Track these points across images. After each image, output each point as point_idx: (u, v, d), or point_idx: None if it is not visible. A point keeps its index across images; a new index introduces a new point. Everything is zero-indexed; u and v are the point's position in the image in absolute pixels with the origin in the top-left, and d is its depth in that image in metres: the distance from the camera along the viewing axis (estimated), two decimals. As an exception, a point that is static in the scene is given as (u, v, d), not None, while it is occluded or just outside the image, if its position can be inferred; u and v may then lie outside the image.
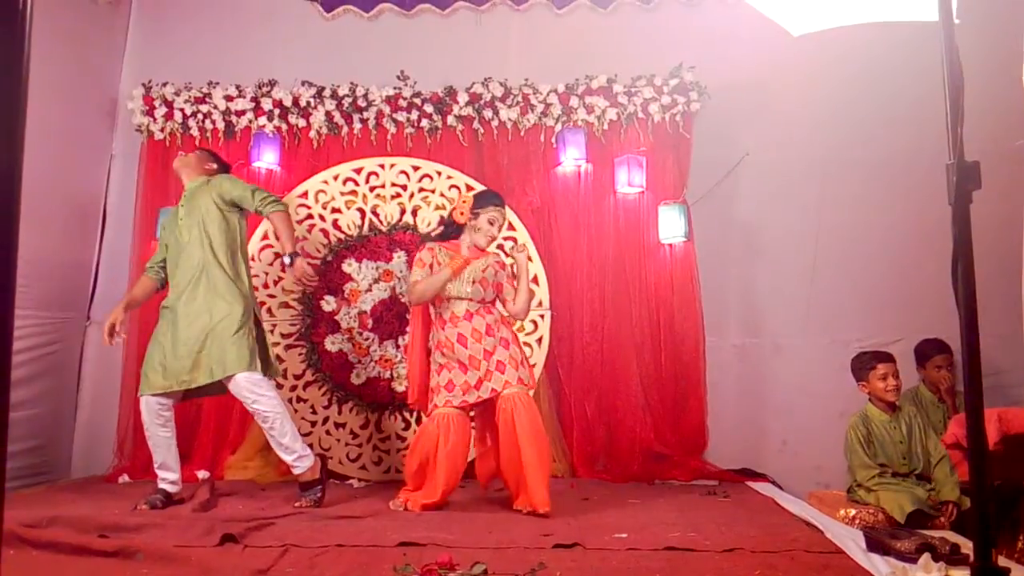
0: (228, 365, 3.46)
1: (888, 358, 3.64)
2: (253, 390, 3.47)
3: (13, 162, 0.90)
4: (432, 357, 3.61)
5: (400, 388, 4.37)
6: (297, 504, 3.44)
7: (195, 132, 4.72)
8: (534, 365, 4.40)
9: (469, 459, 3.64)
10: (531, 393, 3.52)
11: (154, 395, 3.53)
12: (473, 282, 3.57)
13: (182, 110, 4.70)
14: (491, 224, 3.63)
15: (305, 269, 3.66)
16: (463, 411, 3.50)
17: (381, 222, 4.53)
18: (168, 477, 3.57)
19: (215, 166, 3.96)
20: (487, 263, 3.65)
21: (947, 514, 3.28)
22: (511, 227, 4.47)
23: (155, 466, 3.59)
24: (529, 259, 3.88)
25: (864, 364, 3.63)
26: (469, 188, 4.51)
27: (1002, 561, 1.80)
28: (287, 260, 3.66)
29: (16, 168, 0.91)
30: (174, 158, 4.70)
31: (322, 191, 4.53)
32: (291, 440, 3.51)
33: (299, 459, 3.53)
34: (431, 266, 3.59)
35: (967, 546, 2.52)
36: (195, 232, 3.66)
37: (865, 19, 2.13)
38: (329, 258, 4.49)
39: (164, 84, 4.73)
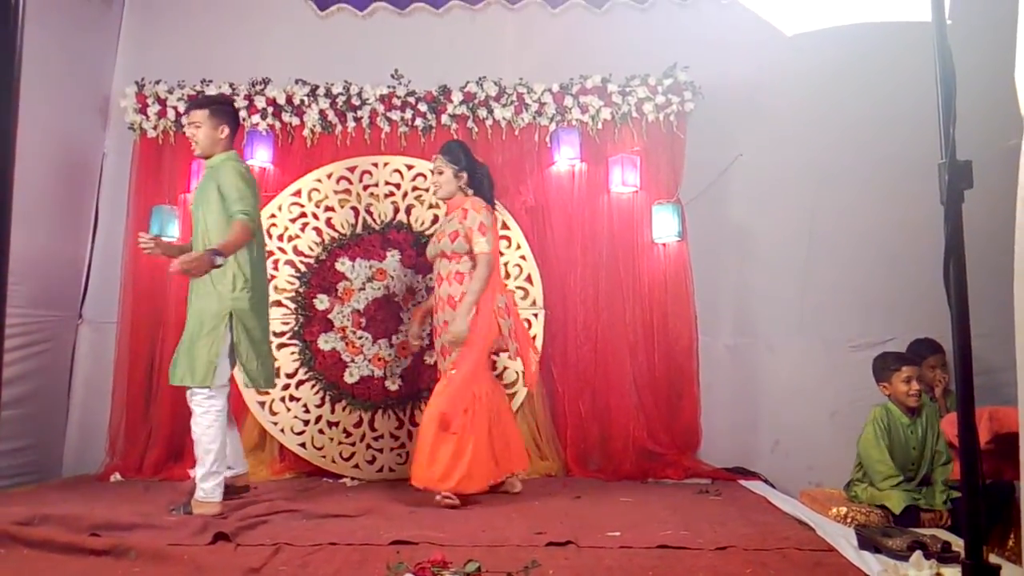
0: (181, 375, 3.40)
1: (912, 361, 3.63)
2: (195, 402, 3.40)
3: (5, 160, 0.90)
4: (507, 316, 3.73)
5: (393, 387, 4.37)
6: (173, 510, 3.30)
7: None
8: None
9: None
10: None
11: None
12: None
13: (175, 108, 4.69)
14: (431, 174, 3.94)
15: (184, 264, 3.25)
16: None
17: (375, 221, 4.53)
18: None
19: (227, 131, 3.61)
20: (454, 216, 3.78)
21: (934, 521, 3.31)
22: (505, 226, 4.47)
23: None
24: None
25: (888, 365, 3.58)
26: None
27: (992, 559, 1.80)
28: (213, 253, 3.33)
29: (8, 166, 0.91)
30: (166, 156, 4.72)
31: (315, 189, 4.52)
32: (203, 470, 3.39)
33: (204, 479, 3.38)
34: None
35: (958, 544, 2.53)
36: (198, 220, 3.53)
37: (859, 20, 2.14)
38: (322, 256, 4.48)
39: (157, 82, 4.71)
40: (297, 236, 4.49)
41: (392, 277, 4.45)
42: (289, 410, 4.36)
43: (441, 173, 3.77)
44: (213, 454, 3.33)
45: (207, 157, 3.60)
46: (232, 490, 3.51)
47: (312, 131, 4.68)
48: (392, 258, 4.46)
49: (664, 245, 4.57)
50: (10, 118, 0.91)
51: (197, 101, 3.78)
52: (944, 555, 2.45)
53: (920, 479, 3.52)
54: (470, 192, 3.77)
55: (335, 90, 4.67)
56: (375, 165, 4.57)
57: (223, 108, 3.67)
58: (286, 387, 4.38)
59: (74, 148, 4.72)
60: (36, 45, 3.70)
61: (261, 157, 4.65)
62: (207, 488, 3.31)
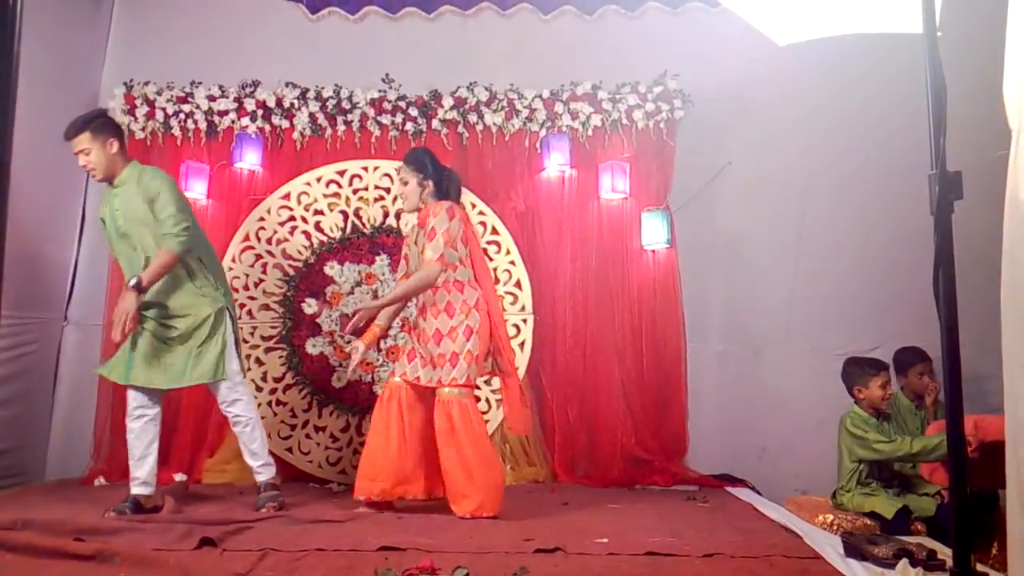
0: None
1: (886, 367, 3.71)
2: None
3: (1, 162, 0.89)
4: (467, 321, 3.39)
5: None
6: (262, 510, 3.33)
7: (177, 132, 4.68)
8: (517, 368, 4.39)
9: None
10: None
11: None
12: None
13: (164, 109, 4.66)
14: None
15: (127, 307, 3.17)
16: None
17: (364, 225, 4.52)
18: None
19: (117, 144, 3.43)
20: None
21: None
22: (495, 231, 4.47)
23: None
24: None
25: (865, 370, 3.66)
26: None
27: (978, 567, 1.81)
28: (131, 282, 3.22)
29: (4, 168, 0.90)
30: (154, 158, 4.68)
31: (305, 193, 4.51)
32: (260, 447, 3.50)
33: (264, 466, 3.50)
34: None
35: (944, 552, 2.55)
36: (136, 245, 3.39)
37: (850, 30, 2.16)
38: (311, 260, 4.47)
39: (146, 83, 4.69)
40: (286, 240, 4.48)
41: (381, 281, 4.44)
42: (276, 415, 4.34)
43: (406, 184, 3.50)
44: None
45: (112, 178, 3.43)
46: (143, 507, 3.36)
47: (302, 134, 4.67)
48: (381, 262, 4.45)
49: (653, 252, 4.59)
50: (6, 122, 0.90)
51: (70, 128, 3.46)
52: (930, 563, 2.46)
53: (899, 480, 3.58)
54: (432, 201, 3.51)
55: (325, 93, 4.66)
56: (365, 169, 4.56)
57: (100, 122, 3.43)
58: (273, 391, 4.36)
59: (61, 148, 4.66)
60: (24, 44, 3.65)
61: (250, 160, 4.63)
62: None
